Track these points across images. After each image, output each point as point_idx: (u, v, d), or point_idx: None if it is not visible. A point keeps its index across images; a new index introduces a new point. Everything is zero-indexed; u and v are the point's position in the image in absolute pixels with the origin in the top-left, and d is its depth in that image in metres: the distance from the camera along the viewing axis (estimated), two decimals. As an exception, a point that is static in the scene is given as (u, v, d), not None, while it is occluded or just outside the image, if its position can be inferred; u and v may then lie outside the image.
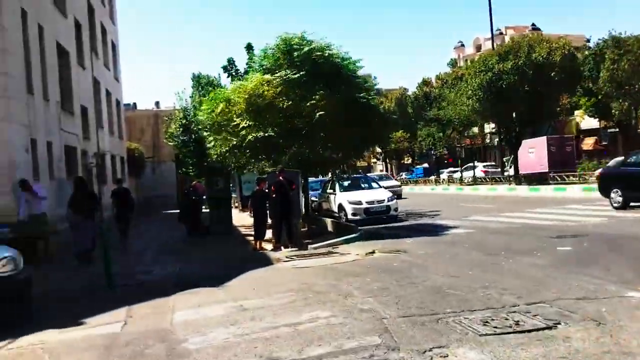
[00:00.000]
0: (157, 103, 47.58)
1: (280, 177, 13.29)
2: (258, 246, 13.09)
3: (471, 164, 37.42)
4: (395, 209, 19.18)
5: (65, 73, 20.79)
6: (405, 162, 62.55)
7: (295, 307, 6.43)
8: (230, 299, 7.20)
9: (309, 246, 12.48)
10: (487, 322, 5.18)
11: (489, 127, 45.19)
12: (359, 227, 14.93)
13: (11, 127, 13.43)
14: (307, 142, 15.11)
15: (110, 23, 32.72)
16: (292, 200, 13.32)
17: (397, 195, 24.47)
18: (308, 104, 14.30)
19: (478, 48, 77.56)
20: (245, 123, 14.73)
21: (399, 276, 7.91)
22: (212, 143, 16.53)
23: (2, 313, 6.39)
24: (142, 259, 12.82)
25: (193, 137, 34.55)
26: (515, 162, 32.85)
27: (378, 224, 17.67)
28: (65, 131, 19.06)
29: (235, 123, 14.80)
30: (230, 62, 23.91)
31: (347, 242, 13.02)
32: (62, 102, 19.70)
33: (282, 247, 12.72)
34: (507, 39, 62.12)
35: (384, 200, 19.08)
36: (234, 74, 22.96)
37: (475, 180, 33.85)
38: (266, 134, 14.93)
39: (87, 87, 24.48)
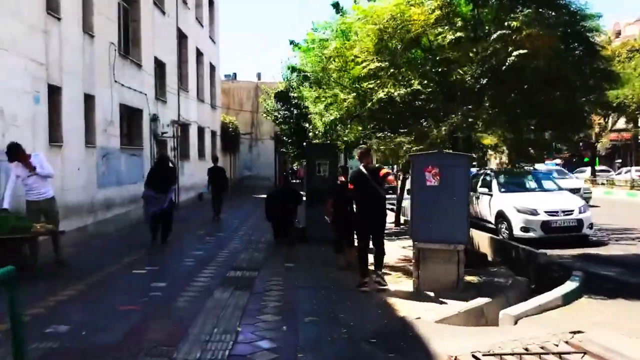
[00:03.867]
0: (258, 75, 42.75)
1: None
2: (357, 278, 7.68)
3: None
4: (590, 226, 12.42)
5: (133, 11, 15.82)
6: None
7: None
8: None
9: (507, 312, 6.22)
10: None
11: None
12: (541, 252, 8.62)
13: (5, 58, 8.33)
14: (480, 108, 8.79)
15: (207, -28, 27.84)
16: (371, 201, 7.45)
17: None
18: (494, 36, 7.99)
19: (618, 34, 66.72)
20: (373, 65, 8.70)
21: None
22: (317, 106, 10.63)
23: None
24: (181, 298, 7.19)
25: (295, 112, 29.42)
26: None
27: (558, 246, 11.18)
28: (123, 85, 14.04)
29: (359, 65, 8.80)
30: None
31: (566, 300, 6.66)
32: (122, 47, 14.69)
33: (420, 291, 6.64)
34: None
35: (573, 210, 12.36)
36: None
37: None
38: (408, 90, 8.83)
39: (168, 39, 19.54)
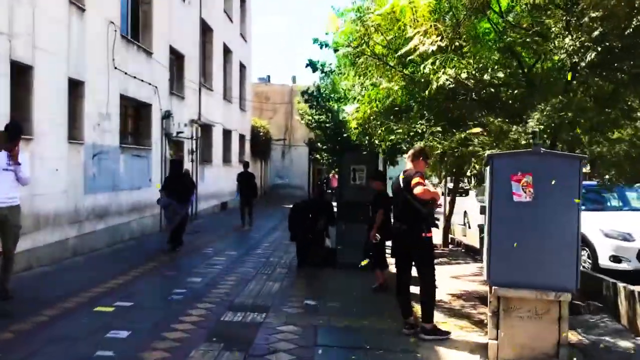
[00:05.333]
0: (293, 78, 40.55)
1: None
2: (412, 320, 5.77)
3: None
4: (702, 257, 9.60)
5: (145, -9, 13.80)
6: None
7: None
8: None
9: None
10: None
11: None
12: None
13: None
14: (574, 100, 6.23)
15: (237, -37, 25.79)
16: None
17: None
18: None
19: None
20: (429, 42, 6.25)
21: None
22: (352, 93, 8.24)
23: None
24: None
25: (330, 115, 27.15)
26: None
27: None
28: (126, 74, 11.96)
29: (412, 44, 6.36)
30: None
31: None
32: (128, 30, 12.65)
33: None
34: None
35: (680, 237, 9.58)
36: None
37: None
38: (481, 75, 6.37)
39: (189, 29, 17.48)
